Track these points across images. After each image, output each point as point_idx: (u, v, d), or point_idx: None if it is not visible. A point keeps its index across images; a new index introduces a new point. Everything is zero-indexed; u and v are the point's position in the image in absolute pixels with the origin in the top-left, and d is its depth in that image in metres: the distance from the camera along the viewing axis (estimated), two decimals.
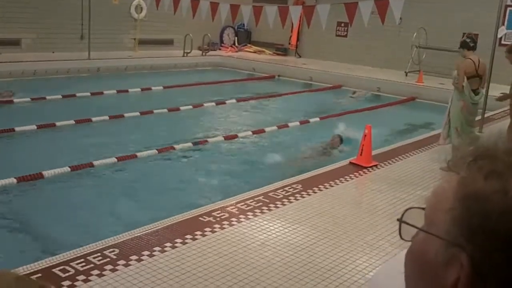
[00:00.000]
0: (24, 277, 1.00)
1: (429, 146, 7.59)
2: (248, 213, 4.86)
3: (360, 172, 6.25)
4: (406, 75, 13.89)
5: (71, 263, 3.67)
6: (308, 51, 17.03)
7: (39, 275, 3.50)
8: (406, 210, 0.81)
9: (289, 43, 17.57)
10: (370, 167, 6.39)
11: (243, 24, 17.80)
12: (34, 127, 7.82)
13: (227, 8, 13.28)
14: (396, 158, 6.92)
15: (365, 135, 6.40)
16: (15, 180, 5.64)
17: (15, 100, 9.56)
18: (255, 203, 5.09)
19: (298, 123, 9.37)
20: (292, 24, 15.21)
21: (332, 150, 7.80)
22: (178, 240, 4.19)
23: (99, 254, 3.83)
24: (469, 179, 0.72)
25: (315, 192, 5.48)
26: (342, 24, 15.68)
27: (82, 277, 3.51)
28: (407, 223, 0.81)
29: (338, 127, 8.60)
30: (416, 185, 5.87)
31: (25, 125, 7.78)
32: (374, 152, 6.69)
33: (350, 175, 6.12)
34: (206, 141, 7.90)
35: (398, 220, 0.82)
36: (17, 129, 7.65)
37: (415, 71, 13.79)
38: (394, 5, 9.56)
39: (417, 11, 13.52)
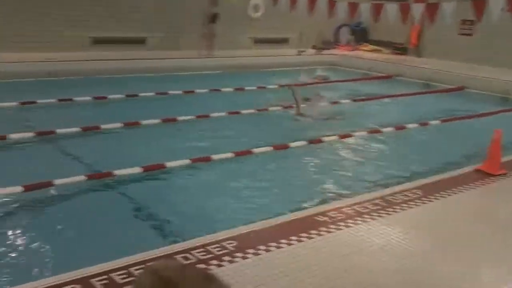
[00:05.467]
0: (191, 266, 1.03)
1: None
2: (365, 215, 4.75)
3: (486, 180, 5.87)
4: None
5: (191, 252, 3.80)
6: (429, 50, 16.36)
7: (159, 261, 3.66)
8: None
9: (409, 42, 17.00)
10: (498, 175, 5.99)
11: (360, 22, 17.55)
12: (158, 120, 8.23)
13: (345, 6, 13.14)
14: None
15: (494, 141, 6.00)
16: (140, 169, 5.96)
17: (141, 94, 10.12)
18: (372, 206, 4.97)
19: (417, 125, 9.03)
20: (412, 22, 14.68)
21: None
22: (294, 238, 4.19)
23: (218, 245, 3.93)
24: None
25: (437, 199, 5.24)
26: (467, 22, 14.87)
27: (202, 265, 3.62)
28: None
29: (461, 130, 8.18)
30: None
31: (150, 118, 8.21)
32: (503, 159, 6.26)
33: (475, 182, 5.77)
34: (320, 140, 7.84)
35: None
36: (143, 122, 8.09)
37: None
38: None
39: None
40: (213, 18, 14.52)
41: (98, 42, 13.79)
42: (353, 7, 12.90)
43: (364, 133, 8.42)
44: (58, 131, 7.38)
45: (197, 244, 3.93)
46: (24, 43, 12.49)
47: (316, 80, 12.99)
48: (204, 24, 14.41)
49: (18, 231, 4.61)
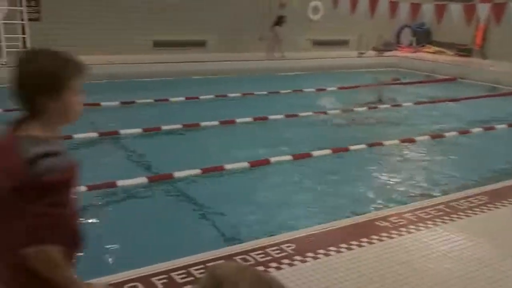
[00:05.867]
0: (250, 268, 1.03)
1: None
2: (428, 221, 4.61)
3: None
4: None
5: (250, 253, 3.80)
6: (495, 51, 15.77)
7: (222, 261, 3.67)
8: None
9: (473, 43, 16.43)
10: None
11: (422, 23, 17.16)
12: (217, 122, 8.31)
13: (407, 7, 12.88)
14: None
15: None
16: (199, 171, 6.03)
17: (201, 96, 10.24)
18: (435, 212, 4.82)
19: (481, 129, 8.71)
20: (478, 22, 14.20)
21: None
22: (354, 242, 4.12)
23: (277, 247, 3.91)
24: None
25: (504, 206, 5.02)
26: None
27: (260, 268, 3.61)
28: None
29: None
30: None
31: (209, 120, 8.29)
32: None
33: None
34: (381, 143, 7.69)
35: None
36: (202, 124, 8.19)
37: None
38: None
39: None
40: (279, 20, 14.58)
41: (159, 45, 14.10)
42: (416, 8, 12.62)
43: (426, 137, 8.20)
44: (121, 131, 7.59)
45: (256, 246, 3.93)
46: (87, 46, 12.91)
47: (391, 81, 12.87)
48: (270, 26, 14.54)
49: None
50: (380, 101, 10.52)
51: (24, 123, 1.83)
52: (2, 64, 11.08)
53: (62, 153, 1.81)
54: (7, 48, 11.28)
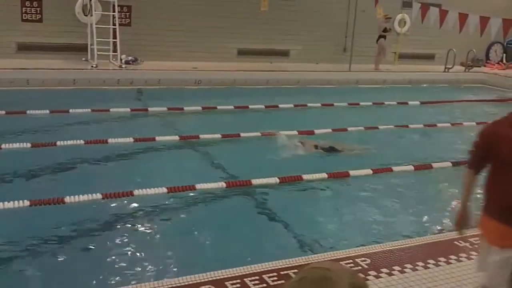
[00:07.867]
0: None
1: None
2: None
3: None
4: None
5: None
6: None
7: (295, 270, 3.67)
8: None
9: None
10: None
11: None
12: (295, 132, 8.32)
13: (499, 23, 12.36)
14: None
15: None
16: (277, 180, 6.06)
17: (280, 105, 10.31)
18: None
19: None
20: None
21: None
22: (431, 261, 4.00)
23: (351, 261, 3.86)
24: None
25: None
26: None
27: None
28: None
29: None
30: None
31: (287, 129, 8.29)
32: None
33: None
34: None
35: None
36: (279, 132, 8.20)
37: None
38: None
39: None
40: (384, 33, 14.59)
41: (243, 53, 14.34)
42: (507, 24, 12.08)
43: None
44: (201, 136, 7.77)
45: (330, 259, 3.90)
46: (174, 52, 13.37)
47: None
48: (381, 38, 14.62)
49: (161, 230, 4.86)
50: None
51: None
52: (93, 67, 11.69)
53: None
54: (98, 52, 11.88)
